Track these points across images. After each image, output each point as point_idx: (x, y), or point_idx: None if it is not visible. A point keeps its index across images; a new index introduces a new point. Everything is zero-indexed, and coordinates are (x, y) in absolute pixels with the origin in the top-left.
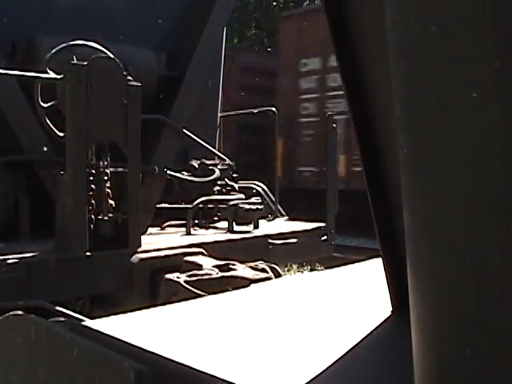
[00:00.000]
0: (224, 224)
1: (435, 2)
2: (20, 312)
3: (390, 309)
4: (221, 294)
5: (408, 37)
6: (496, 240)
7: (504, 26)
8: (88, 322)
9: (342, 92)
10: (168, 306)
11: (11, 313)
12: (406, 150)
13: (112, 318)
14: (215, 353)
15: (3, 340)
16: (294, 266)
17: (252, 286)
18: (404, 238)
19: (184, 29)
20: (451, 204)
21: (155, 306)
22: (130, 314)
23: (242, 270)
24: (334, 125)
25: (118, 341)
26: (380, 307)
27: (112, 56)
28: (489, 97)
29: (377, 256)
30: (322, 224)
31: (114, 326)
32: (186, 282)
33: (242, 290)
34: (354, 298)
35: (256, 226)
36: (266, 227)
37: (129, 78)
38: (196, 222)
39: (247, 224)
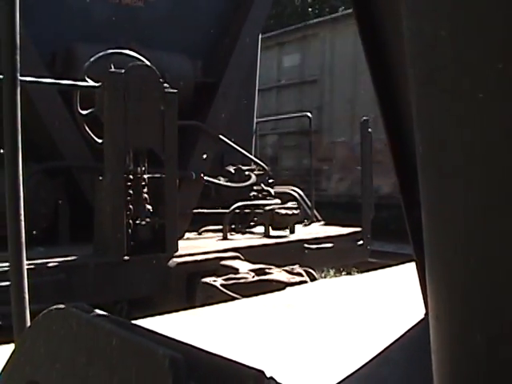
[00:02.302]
0: (260, 229)
1: (445, 8)
2: (62, 306)
3: (424, 312)
4: (257, 297)
5: (421, 41)
6: (507, 234)
7: (507, 30)
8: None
9: None
10: (206, 308)
11: (54, 307)
12: (422, 149)
13: (152, 318)
14: (249, 350)
15: (47, 332)
16: (331, 272)
17: (287, 288)
18: None
19: (220, 36)
20: (465, 202)
21: (193, 307)
22: (168, 314)
23: (277, 274)
24: (370, 130)
25: (154, 333)
26: (414, 310)
27: (149, 63)
28: (493, 97)
29: (412, 260)
30: (358, 229)
31: (152, 323)
32: (222, 285)
33: (277, 292)
34: (389, 301)
35: (292, 231)
36: (302, 232)
37: (165, 84)
38: (232, 226)
39: (283, 229)
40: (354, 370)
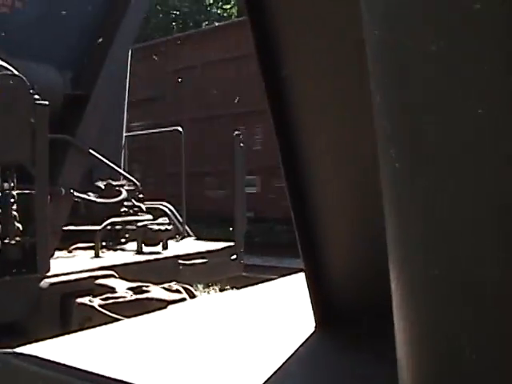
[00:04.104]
0: (131, 245)
1: (439, 19)
2: None
3: (313, 324)
4: (142, 317)
5: (402, 57)
6: (491, 245)
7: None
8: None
9: None
10: (90, 331)
11: None
12: (398, 164)
13: (30, 345)
14: (150, 374)
15: None
16: (200, 287)
17: (170, 307)
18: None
19: (90, 48)
20: (448, 213)
21: (71, 332)
22: (48, 340)
23: (156, 292)
24: (242, 144)
25: (56, 364)
26: (302, 323)
27: (17, 73)
28: (493, 113)
29: (294, 272)
30: (231, 243)
31: (32, 350)
32: (100, 305)
33: (161, 311)
34: (276, 315)
35: (165, 247)
36: (175, 248)
37: (36, 96)
38: (103, 244)
39: (156, 245)
40: None
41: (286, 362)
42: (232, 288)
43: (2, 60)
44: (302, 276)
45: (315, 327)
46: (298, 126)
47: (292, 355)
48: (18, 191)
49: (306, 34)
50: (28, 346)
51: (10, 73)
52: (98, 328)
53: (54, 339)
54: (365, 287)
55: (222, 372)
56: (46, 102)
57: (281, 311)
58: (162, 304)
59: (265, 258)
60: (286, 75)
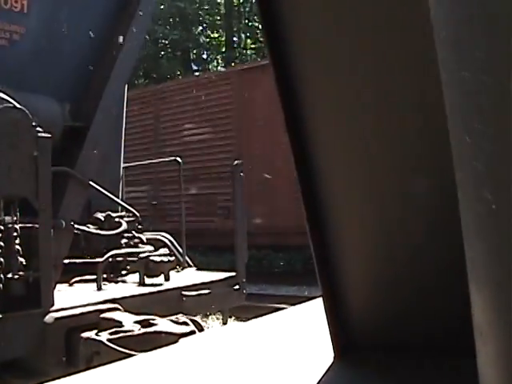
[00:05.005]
0: (132, 277)
1: None
2: None
3: (331, 354)
4: (155, 351)
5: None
6: None
7: None
8: None
9: None
10: (107, 367)
11: None
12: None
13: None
14: None
15: None
16: (198, 318)
17: (181, 340)
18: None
19: (87, 80)
20: None
21: (87, 369)
22: (62, 379)
23: (164, 325)
24: (242, 174)
25: None
26: (319, 353)
27: (19, 106)
28: None
29: (302, 301)
30: (233, 273)
31: None
32: (108, 340)
33: (174, 345)
34: (291, 346)
35: (167, 278)
36: (177, 279)
37: (38, 129)
38: (104, 276)
39: (157, 276)
40: None
41: None
42: (230, 317)
43: (3, 93)
44: (311, 305)
45: (334, 357)
46: (311, 134)
47: None
48: (21, 225)
49: (317, 33)
50: None
51: (11, 105)
52: (113, 364)
53: (70, 378)
54: (384, 313)
55: None
56: (49, 135)
57: (295, 342)
58: (172, 338)
59: (260, 286)
60: (299, 76)
